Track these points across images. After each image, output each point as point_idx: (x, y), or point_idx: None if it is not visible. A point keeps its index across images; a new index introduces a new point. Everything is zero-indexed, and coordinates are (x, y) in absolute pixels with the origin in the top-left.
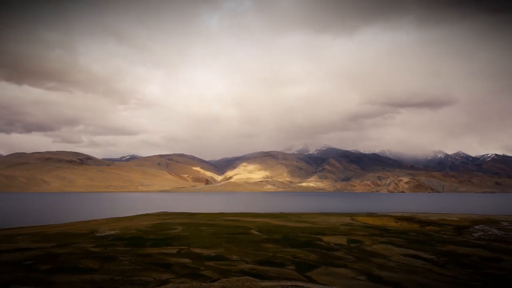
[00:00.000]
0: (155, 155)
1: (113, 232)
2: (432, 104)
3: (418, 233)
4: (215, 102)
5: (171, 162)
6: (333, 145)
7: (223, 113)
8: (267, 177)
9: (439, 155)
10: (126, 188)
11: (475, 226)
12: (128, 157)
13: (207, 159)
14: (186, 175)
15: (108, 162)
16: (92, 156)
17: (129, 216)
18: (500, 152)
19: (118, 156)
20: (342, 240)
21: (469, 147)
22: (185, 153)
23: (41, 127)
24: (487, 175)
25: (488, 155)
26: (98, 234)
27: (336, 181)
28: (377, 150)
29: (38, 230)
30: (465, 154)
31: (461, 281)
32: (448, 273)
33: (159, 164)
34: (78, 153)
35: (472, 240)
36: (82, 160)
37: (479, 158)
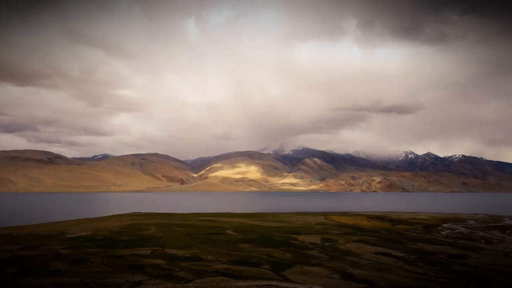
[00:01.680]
0: (128, 155)
1: (83, 233)
2: (399, 110)
3: (389, 231)
4: (192, 106)
5: (145, 162)
6: (308, 146)
7: (200, 116)
8: (243, 177)
9: (410, 156)
10: (97, 188)
11: (443, 225)
12: (100, 157)
13: (182, 159)
14: (161, 175)
15: (79, 162)
16: (62, 155)
17: (101, 217)
18: (467, 154)
19: (90, 156)
20: (317, 239)
21: (438, 148)
22: (159, 153)
23: (14, 127)
24: (455, 175)
25: (456, 156)
26: (68, 236)
27: (311, 180)
28: (351, 151)
29: (4, 232)
30: (434, 155)
31: (430, 278)
32: (417, 271)
33: (132, 163)
34: (48, 152)
35: (440, 238)
36: (51, 159)
37: (447, 159)
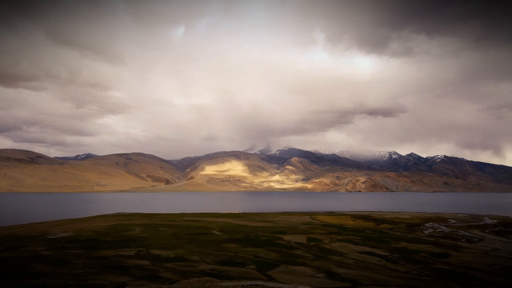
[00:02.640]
0: (112, 154)
1: (66, 234)
2: (383, 112)
3: (374, 230)
4: (179, 108)
5: (130, 162)
6: (294, 146)
7: (186, 118)
8: (229, 176)
9: (393, 156)
10: (81, 188)
11: (425, 224)
12: (83, 156)
13: (168, 159)
14: (145, 175)
15: (61, 161)
16: (43, 155)
17: (84, 218)
18: (448, 154)
19: (73, 155)
20: (302, 239)
21: (420, 149)
22: (144, 153)
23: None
24: (437, 175)
25: (438, 157)
26: (50, 237)
27: (297, 180)
28: (336, 151)
29: None
30: (417, 156)
31: (413, 276)
32: (400, 269)
33: (116, 163)
34: (29, 151)
35: (423, 237)
36: (32, 159)
37: (430, 159)
